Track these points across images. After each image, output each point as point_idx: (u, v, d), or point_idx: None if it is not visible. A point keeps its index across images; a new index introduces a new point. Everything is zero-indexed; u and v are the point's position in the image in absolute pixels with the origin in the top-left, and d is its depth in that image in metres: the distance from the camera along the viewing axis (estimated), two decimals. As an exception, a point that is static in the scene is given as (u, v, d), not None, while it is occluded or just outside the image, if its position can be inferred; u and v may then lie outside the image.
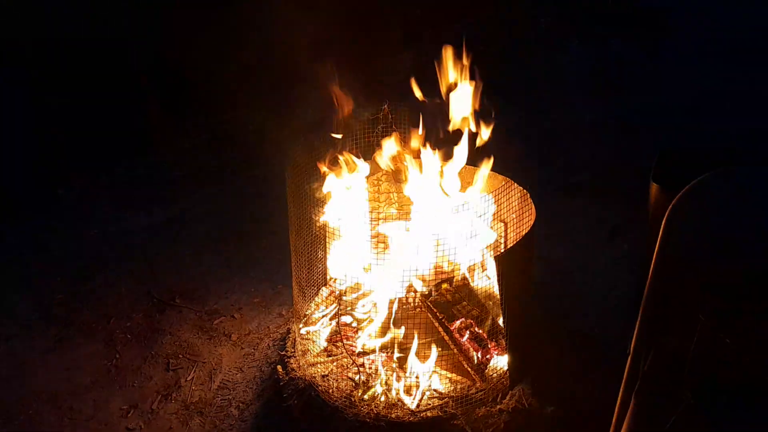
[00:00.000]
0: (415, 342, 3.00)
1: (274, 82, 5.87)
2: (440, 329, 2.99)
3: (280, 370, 3.15)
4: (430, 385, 2.94)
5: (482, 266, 3.19)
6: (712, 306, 2.08)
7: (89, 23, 5.49)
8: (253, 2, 5.40)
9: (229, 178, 5.30)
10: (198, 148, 5.74)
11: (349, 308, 3.18)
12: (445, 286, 3.08)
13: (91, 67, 5.52)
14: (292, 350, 3.24)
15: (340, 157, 3.17)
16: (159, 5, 5.75)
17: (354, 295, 3.20)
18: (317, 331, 3.24)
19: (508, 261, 2.79)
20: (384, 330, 3.07)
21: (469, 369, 2.94)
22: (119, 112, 5.63)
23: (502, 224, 3.23)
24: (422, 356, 2.99)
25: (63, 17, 5.38)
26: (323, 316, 3.28)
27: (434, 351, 2.99)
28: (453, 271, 3.13)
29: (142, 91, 5.88)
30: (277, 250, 3.67)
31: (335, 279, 3.30)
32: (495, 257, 2.78)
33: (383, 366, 3.00)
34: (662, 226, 2.11)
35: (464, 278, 3.12)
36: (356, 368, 3.01)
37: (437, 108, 3.15)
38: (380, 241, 3.20)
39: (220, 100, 5.81)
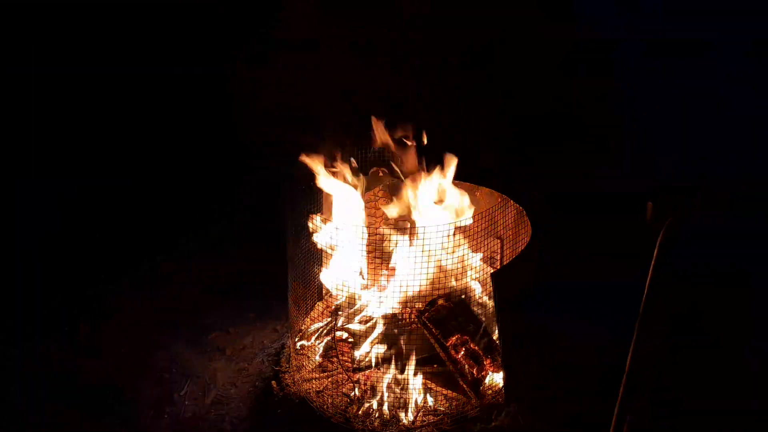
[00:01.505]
0: (411, 359, 3.01)
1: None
2: (436, 345, 3.00)
3: (275, 385, 3.14)
4: (425, 402, 2.95)
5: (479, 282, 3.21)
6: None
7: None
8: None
9: (224, 188, 5.30)
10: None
11: (344, 323, 3.18)
12: (440, 301, 3.09)
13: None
14: (287, 365, 3.23)
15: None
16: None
17: (350, 310, 3.20)
18: (312, 346, 3.23)
19: (503, 277, 2.81)
20: (380, 346, 3.07)
21: (465, 386, 2.95)
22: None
23: (498, 241, 3.26)
24: (418, 373, 2.99)
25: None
26: (318, 332, 3.27)
27: (428, 368, 3.01)
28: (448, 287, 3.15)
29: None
30: (273, 264, 3.65)
31: (331, 294, 3.29)
32: (491, 274, 2.80)
33: (378, 382, 3.00)
34: (657, 245, 2.20)
35: (461, 294, 3.13)
36: (351, 384, 3.01)
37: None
38: (377, 257, 3.20)
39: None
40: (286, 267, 3.17)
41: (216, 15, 6.12)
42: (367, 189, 3.31)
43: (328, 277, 3.24)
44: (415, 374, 2.99)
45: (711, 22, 5.66)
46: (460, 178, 3.30)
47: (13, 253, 4.48)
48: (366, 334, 3.09)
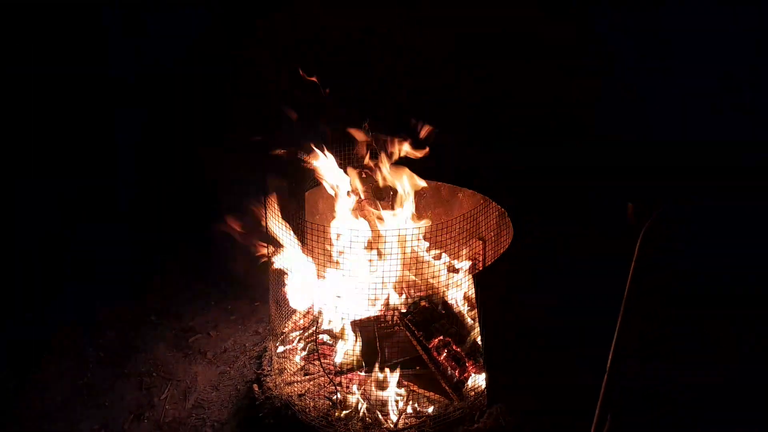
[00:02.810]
0: (394, 361, 2.99)
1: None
2: (418, 347, 2.98)
3: (256, 388, 3.11)
4: (407, 404, 2.92)
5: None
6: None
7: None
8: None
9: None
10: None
11: (326, 326, 3.16)
12: (423, 303, 3.07)
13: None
14: (269, 369, 3.20)
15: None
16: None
17: (331, 313, 3.18)
18: (294, 349, 3.21)
19: (485, 279, 2.77)
20: (361, 348, 3.04)
21: (447, 387, 2.93)
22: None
23: (481, 242, 3.22)
24: (400, 375, 2.97)
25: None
26: (300, 335, 3.25)
27: (411, 370, 2.97)
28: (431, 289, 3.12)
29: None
30: (255, 266, 3.64)
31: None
32: (473, 275, 2.78)
33: (361, 385, 2.98)
34: (637, 245, 2.19)
35: (443, 296, 3.11)
36: (333, 387, 2.99)
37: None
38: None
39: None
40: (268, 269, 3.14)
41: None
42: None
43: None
44: (397, 376, 2.97)
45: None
46: (441, 179, 3.28)
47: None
48: (347, 337, 3.07)
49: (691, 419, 2.95)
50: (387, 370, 2.97)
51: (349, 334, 3.06)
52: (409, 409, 2.90)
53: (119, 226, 4.87)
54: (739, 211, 4.44)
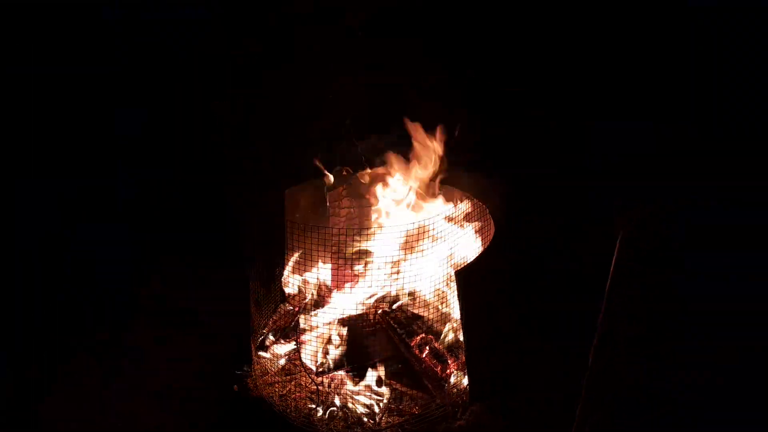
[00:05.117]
0: (375, 359, 2.97)
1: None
2: (400, 345, 2.96)
3: (237, 389, 3.09)
4: (389, 403, 2.89)
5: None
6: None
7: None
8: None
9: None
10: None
11: (307, 325, 3.14)
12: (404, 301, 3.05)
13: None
14: (249, 369, 3.17)
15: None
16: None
17: (313, 312, 3.15)
18: (275, 349, 3.19)
19: (467, 276, 2.75)
20: (343, 347, 3.02)
21: (429, 385, 2.91)
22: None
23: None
24: (381, 373, 2.95)
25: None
26: (282, 334, 3.23)
27: (392, 368, 2.96)
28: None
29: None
30: (234, 264, 3.60)
31: (294, 296, 3.24)
32: (455, 272, 2.76)
33: (342, 384, 2.95)
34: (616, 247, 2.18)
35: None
36: (315, 387, 2.97)
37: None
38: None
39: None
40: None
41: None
42: (331, 188, 3.26)
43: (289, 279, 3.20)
44: (379, 375, 2.94)
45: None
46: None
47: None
48: (329, 336, 3.05)
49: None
50: (369, 368, 2.96)
51: (331, 333, 3.04)
52: (391, 408, 2.88)
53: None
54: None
